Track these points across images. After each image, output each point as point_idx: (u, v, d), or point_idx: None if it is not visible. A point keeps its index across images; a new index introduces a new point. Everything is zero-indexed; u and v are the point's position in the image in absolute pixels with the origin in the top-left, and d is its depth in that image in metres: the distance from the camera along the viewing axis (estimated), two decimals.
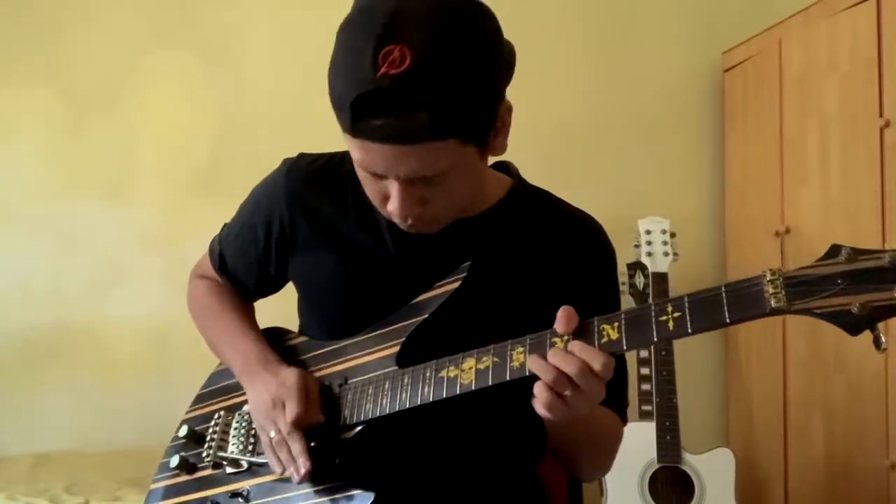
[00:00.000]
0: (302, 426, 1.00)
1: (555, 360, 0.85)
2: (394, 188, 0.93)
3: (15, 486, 2.04)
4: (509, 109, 0.96)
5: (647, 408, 2.32)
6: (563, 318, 0.88)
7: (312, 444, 1.01)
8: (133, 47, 2.60)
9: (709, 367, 2.77)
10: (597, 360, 0.84)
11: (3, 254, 2.54)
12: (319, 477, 1.00)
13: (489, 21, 0.90)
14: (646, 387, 2.34)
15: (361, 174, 0.96)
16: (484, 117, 0.92)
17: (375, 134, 0.87)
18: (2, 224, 2.54)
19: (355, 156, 0.92)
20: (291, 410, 1.00)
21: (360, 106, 0.85)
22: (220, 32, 2.64)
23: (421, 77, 0.83)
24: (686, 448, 2.32)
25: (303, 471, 0.98)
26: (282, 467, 1.01)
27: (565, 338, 0.88)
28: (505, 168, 1.16)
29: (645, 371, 2.36)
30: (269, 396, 1.03)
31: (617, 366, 1.10)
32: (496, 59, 0.91)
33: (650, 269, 2.45)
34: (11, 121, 2.56)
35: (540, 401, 0.86)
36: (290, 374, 1.05)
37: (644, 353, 2.37)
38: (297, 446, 0.99)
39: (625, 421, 1.11)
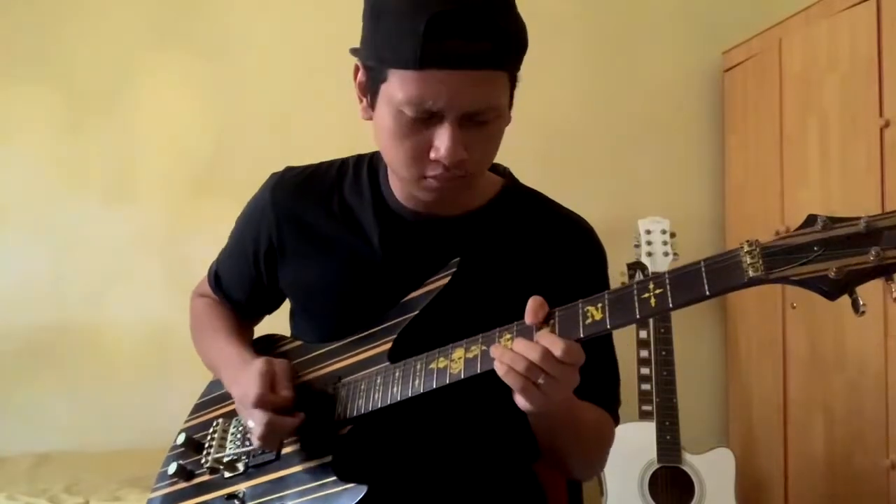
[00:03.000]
0: (266, 405, 1.00)
1: (518, 347, 0.87)
2: (445, 131, 0.93)
3: (15, 486, 2.05)
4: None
5: (647, 408, 2.32)
6: (531, 309, 0.89)
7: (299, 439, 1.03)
8: (133, 47, 2.60)
9: (709, 367, 2.77)
10: (557, 347, 0.85)
11: (3, 254, 2.54)
12: (314, 473, 1.01)
13: None
14: (646, 387, 2.34)
15: (403, 126, 0.95)
16: (521, 58, 0.96)
17: (445, 58, 0.89)
18: (2, 224, 2.54)
19: (410, 93, 0.91)
20: (253, 393, 1.00)
21: (434, 27, 0.87)
22: (220, 32, 2.64)
23: (488, 2, 0.89)
24: (686, 448, 2.32)
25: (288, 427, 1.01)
26: (275, 447, 1.04)
27: (551, 322, 0.88)
28: (497, 171, 1.17)
29: (645, 371, 2.36)
30: (242, 391, 1.04)
31: (606, 365, 1.10)
32: None
33: (650, 269, 2.45)
34: (11, 121, 2.56)
35: (514, 388, 0.88)
36: (255, 364, 1.05)
37: (644, 353, 2.37)
38: (269, 426, 1.00)
39: (616, 420, 1.12)
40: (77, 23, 2.58)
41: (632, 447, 2.28)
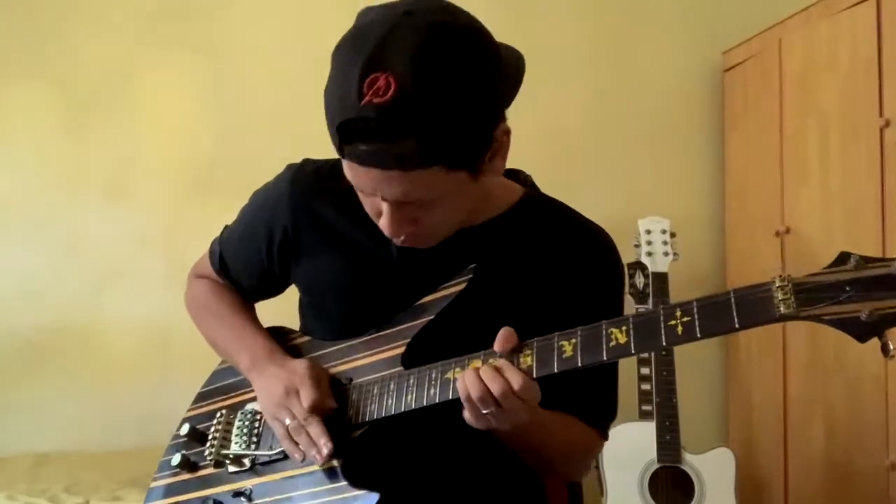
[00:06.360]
0: (318, 411, 1.00)
1: (485, 375, 0.89)
2: (384, 207, 0.93)
3: (15, 486, 2.04)
4: (507, 132, 0.95)
5: (647, 408, 2.32)
6: (501, 337, 0.91)
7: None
8: (133, 46, 2.60)
9: (709, 367, 2.77)
10: (516, 381, 0.88)
11: (3, 254, 2.53)
12: (324, 476, 1.01)
13: (484, 47, 0.89)
14: (646, 387, 2.34)
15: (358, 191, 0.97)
16: (475, 143, 0.91)
17: (361, 158, 0.88)
18: (2, 224, 2.54)
19: (347, 173, 0.93)
20: (307, 396, 1.00)
21: (345, 131, 0.86)
22: (220, 32, 2.63)
23: (405, 106, 0.82)
24: (686, 448, 2.32)
25: (325, 451, 0.98)
26: (301, 454, 1.01)
27: (573, 341, 0.88)
28: (518, 179, 1.16)
29: (645, 371, 2.36)
30: (282, 386, 1.03)
31: (602, 381, 1.09)
32: (491, 85, 0.89)
33: (650, 269, 2.45)
34: (11, 120, 2.56)
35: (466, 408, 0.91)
36: (299, 364, 1.06)
37: (644, 353, 2.37)
38: (316, 429, 0.99)
39: (603, 435, 1.11)
40: (77, 22, 2.58)
41: (632, 447, 2.28)
